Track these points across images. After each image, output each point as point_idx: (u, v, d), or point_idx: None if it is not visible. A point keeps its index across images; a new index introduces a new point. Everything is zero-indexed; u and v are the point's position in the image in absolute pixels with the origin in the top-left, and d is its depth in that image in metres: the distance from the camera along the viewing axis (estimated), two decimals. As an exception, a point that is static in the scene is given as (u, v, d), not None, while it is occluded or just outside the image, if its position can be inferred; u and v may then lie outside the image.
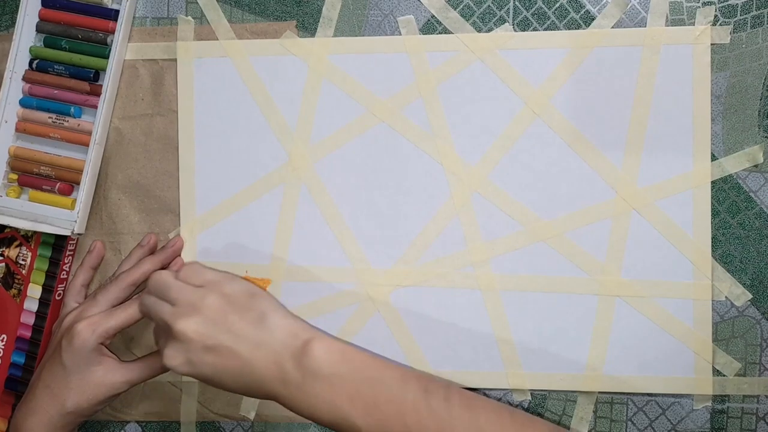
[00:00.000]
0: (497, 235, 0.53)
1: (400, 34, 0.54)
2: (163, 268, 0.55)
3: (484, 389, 0.54)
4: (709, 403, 0.53)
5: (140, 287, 0.54)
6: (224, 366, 0.44)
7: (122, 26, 0.55)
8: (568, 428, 0.54)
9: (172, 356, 0.45)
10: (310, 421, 0.44)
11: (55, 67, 0.55)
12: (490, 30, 0.53)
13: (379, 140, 0.54)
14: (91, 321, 0.51)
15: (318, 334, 0.45)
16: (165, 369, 0.53)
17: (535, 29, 0.53)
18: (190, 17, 0.56)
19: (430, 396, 0.43)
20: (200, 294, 0.45)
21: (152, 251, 0.56)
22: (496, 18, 0.53)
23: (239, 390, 0.45)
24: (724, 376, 0.52)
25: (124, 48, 0.56)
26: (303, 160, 0.55)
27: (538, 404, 0.54)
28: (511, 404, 0.54)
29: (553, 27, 0.53)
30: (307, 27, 0.55)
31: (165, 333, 0.46)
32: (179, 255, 0.56)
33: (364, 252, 0.55)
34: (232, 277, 0.47)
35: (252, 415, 0.57)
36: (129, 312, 0.52)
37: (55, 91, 0.56)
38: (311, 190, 0.55)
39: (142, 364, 0.52)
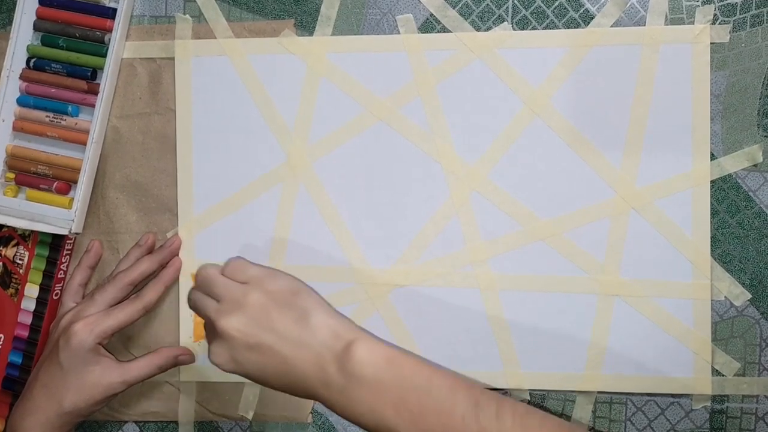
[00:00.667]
0: (496, 235, 0.53)
1: (399, 33, 0.54)
2: (161, 267, 0.55)
3: (483, 389, 0.54)
4: (708, 403, 0.53)
5: (138, 287, 0.54)
6: (267, 365, 0.44)
7: (120, 25, 0.55)
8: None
9: (218, 354, 0.45)
10: (353, 424, 0.43)
11: (53, 65, 0.55)
12: (489, 29, 0.53)
13: (378, 139, 0.54)
14: (89, 321, 0.51)
15: (362, 336, 0.44)
16: (162, 370, 0.53)
17: (534, 28, 0.53)
18: (188, 16, 0.56)
19: (481, 411, 0.41)
20: (244, 291, 0.45)
21: (150, 251, 0.56)
22: (494, 17, 0.53)
23: (284, 389, 0.45)
24: (723, 376, 0.52)
25: (122, 46, 0.56)
26: (301, 160, 0.55)
27: (536, 404, 0.54)
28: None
29: (552, 26, 0.53)
30: (306, 26, 0.55)
31: (211, 330, 0.46)
32: (177, 254, 0.56)
33: (362, 251, 0.55)
34: (277, 273, 0.47)
35: (250, 415, 0.57)
36: (127, 312, 0.52)
37: (53, 90, 0.56)
38: (309, 189, 0.55)
39: (140, 364, 0.52)
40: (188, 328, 0.57)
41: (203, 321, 0.47)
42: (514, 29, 0.53)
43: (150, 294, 0.54)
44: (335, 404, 0.43)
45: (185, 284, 0.56)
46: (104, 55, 0.55)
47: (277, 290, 0.45)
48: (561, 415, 0.54)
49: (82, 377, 0.51)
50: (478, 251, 0.54)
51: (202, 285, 0.47)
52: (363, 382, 0.42)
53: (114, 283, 0.54)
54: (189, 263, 0.56)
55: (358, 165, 0.55)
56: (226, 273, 0.47)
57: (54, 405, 0.50)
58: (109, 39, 0.55)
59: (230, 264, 0.47)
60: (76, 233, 0.56)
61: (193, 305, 0.47)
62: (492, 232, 0.53)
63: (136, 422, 0.58)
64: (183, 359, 0.55)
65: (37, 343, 0.57)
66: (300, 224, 0.55)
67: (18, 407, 0.52)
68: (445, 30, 0.53)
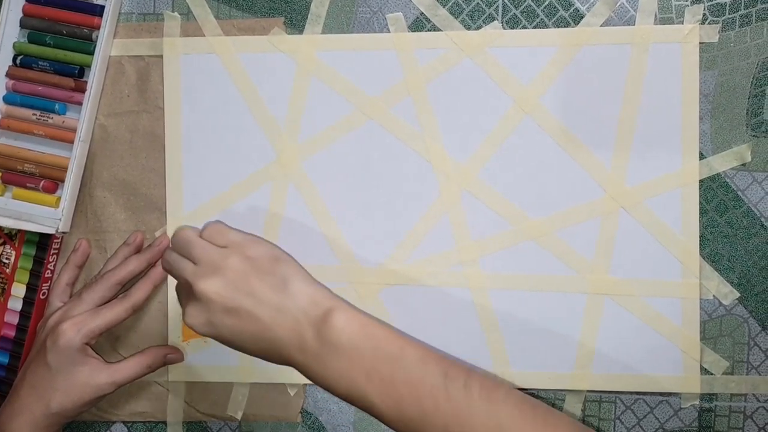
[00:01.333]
0: (486, 234, 0.54)
1: (389, 32, 0.54)
2: (150, 266, 0.55)
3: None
4: (697, 402, 0.53)
5: (126, 286, 0.54)
6: (244, 329, 0.44)
7: (108, 22, 0.55)
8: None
9: (193, 315, 0.45)
10: (327, 392, 0.44)
11: (40, 63, 0.55)
12: (479, 28, 0.53)
13: (368, 138, 0.54)
14: (76, 321, 0.51)
15: (340, 304, 0.44)
16: (151, 369, 0.53)
17: (524, 27, 0.53)
18: (176, 13, 0.56)
19: (450, 381, 0.42)
20: (223, 254, 0.45)
21: (138, 250, 0.56)
22: (485, 16, 0.53)
23: (258, 354, 0.45)
24: (711, 374, 0.53)
25: (110, 44, 0.56)
26: (291, 158, 0.55)
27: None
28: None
29: (542, 25, 0.53)
30: (295, 24, 0.55)
31: (186, 292, 0.46)
32: None
33: (353, 250, 0.55)
34: (256, 239, 0.47)
35: (239, 415, 0.57)
36: (115, 311, 0.52)
37: (40, 88, 0.55)
38: (299, 188, 0.55)
39: (128, 364, 0.52)
40: (177, 327, 0.57)
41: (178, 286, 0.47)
42: (504, 28, 0.53)
43: (138, 293, 0.53)
44: (309, 370, 0.44)
45: (173, 283, 0.56)
46: (92, 53, 0.55)
47: (257, 256, 0.45)
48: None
49: (70, 378, 0.51)
50: (469, 250, 0.54)
51: (179, 246, 0.47)
52: (338, 348, 0.43)
53: (102, 282, 0.53)
54: (178, 262, 0.56)
55: (349, 164, 0.55)
56: (204, 236, 0.47)
57: (41, 406, 0.50)
58: (97, 36, 0.55)
59: (209, 227, 0.47)
60: (64, 232, 0.56)
61: (169, 267, 0.47)
62: (482, 231, 0.54)
63: (124, 422, 0.58)
64: (172, 358, 0.55)
65: (24, 343, 0.57)
66: (289, 223, 0.55)
67: (5, 408, 0.52)
68: (435, 29, 0.54)
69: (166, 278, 0.56)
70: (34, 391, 0.51)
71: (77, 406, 0.51)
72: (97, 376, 0.51)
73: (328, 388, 0.44)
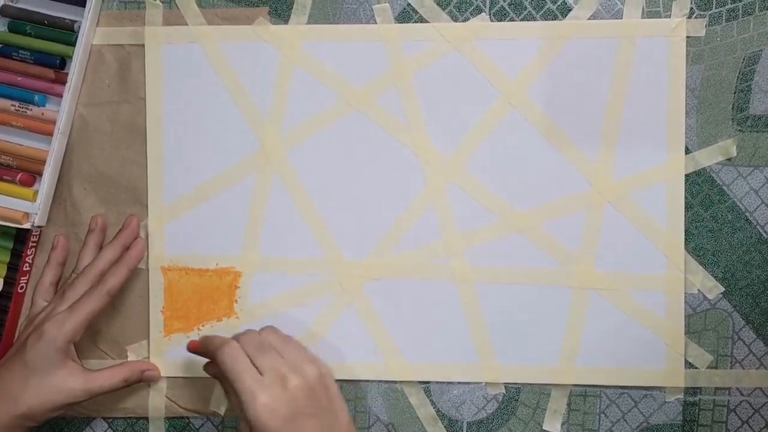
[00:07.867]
0: (472, 227, 0.57)
1: (375, 23, 0.57)
2: (125, 249, 0.57)
3: (459, 382, 0.58)
4: (681, 396, 0.57)
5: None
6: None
7: (90, 13, 0.56)
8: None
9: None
10: None
11: (20, 52, 0.57)
12: (466, 20, 0.56)
13: (353, 130, 0.57)
14: (57, 319, 0.52)
15: None
16: (127, 384, 0.55)
17: (511, 19, 0.56)
18: (158, 1, 0.58)
19: None
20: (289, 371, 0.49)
21: (104, 232, 0.58)
22: (472, 8, 0.57)
23: None
24: (696, 368, 0.56)
25: (92, 35, 0.58)
26: (275, 149, 0.58)
27: (511, 397, 0.58)
28: (485, 398, 0.58)
29: (529, 17, 0.56)
30: (280, 13, 0.58)
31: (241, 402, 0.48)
32: (138, 234, 0.58)
33: (337, 243, 0.57)
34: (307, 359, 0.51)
35: (222, 410, 0.59)
36: (90, 302, 0.53)
37: (19, 78, 0.57)
38: (284, 179, 0.58)
39: (104, 375, 0.54)
40: (158, 323, 0.59)
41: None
42: (491, 20, 0.56)
43: (112, 279, 0.54)
44: None
45: (155, 278, 0.58)
46: (73, 44, 0.56)
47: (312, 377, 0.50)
48: (536, 408, 0.58)
49: (45, 378, 0.52)
50: (454, 243, 0.57)
51: (249, 344, 0.50)
52: None
53: (82, 278, 0.55)
54: (160, 254, 0.58)
55: (333, 155, 0.57)
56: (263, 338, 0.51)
57: (9, 405, 0.51)
58: (79, 27, 0.56)
59: (268, 333, 0.52)
60: (39, 226, 0.58)
61: (230, 361, 0.49)
62: (468, 224, 0.57)
63: (105, 419, 0.60)
64: (149, 375, 0.57)
65: (1, 338, 0.59)
66: (273, 215, 0.58)
67: None
68: (422, 20, 0.56)
69: (139, 262, 0.57)
70: (4, 389, 0.52)
71: (46, 409, 0.52)
72: (72, 381, 0.52)
73: None
